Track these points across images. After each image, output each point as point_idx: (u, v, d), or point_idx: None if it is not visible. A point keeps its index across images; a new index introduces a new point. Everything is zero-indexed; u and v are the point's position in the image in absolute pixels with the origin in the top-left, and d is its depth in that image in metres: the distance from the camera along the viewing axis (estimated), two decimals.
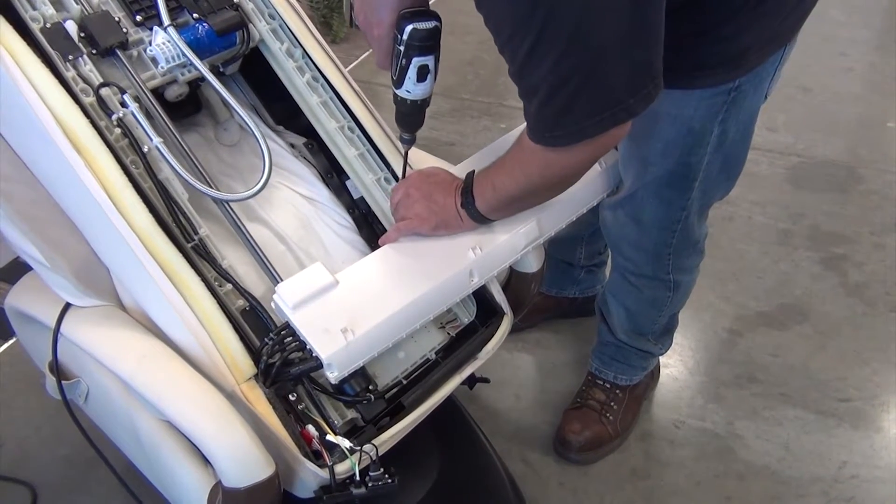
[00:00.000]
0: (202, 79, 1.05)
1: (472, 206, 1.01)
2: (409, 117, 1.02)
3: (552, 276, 1.76)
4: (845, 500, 1.48)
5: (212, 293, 0.95)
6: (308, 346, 0.91)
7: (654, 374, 1.69)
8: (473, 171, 1.02)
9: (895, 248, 2.03)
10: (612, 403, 1.58)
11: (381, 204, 1.14)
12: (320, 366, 0.91)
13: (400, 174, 1.11)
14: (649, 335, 1.51)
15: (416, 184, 1.06)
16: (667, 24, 0.81)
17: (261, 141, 1.02)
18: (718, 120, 1.08)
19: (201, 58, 1.04)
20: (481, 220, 1.03)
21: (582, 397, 1.61)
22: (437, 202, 1.03)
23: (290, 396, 0.97)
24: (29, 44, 0.93)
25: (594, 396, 1.59)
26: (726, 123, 1.09)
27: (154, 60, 1.04)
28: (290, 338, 0.93)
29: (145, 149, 0.97)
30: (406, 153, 1.08)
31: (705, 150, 1.12)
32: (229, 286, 0.99)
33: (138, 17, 1.05)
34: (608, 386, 1.59)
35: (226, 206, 1.05)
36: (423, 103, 1.00)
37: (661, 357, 1.65)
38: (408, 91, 0.97)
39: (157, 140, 0.97)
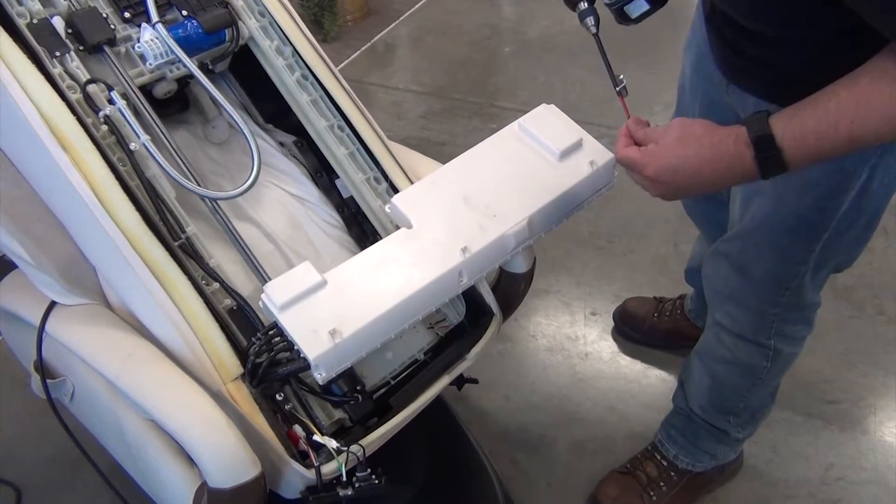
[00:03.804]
0: (191, 76, 1.05)
1: (776, 164, 0.81)
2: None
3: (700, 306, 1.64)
4: (832, 502, 1.49)
5: (199, 292, 0.94)
6: (296, 347, 0.91)
7: (727, 469, 1.49)
8: (766, 114, 0.82)
9: (883, 251, 2.04)
10: (661, 484, 1.44)
11: (370, 203, 1.14)
12: (308, 367, 0.90)
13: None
14: (730, 415, 1.35)
15: (664, 172, 0.87)
16: (849, 44, 0.78)
17: (250, 139, 1.01)
18: (870, 164, 0.97)
19: (190, 55, 1.04)
20: (778, 172, 0.84)
21: (633, 464, 1.49)
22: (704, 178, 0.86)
23: (277, 396, 0.97)
24: (15, 40, 0.93)
25: (645, 469, 1.46)
26: (875, 170, 0.98)
27: (142, 57, 1.03)
28: (278, 338, 0.92)
29: (132, 146, 0.96)
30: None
31: (847, 195, 1.00)
32: (216, 285, 0.98)
33: (126, 14, 1.05)
34: (665, 464, 1.45)
35: (214, 204, 1.05)
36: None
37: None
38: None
39: (144, 137, 0.97)
